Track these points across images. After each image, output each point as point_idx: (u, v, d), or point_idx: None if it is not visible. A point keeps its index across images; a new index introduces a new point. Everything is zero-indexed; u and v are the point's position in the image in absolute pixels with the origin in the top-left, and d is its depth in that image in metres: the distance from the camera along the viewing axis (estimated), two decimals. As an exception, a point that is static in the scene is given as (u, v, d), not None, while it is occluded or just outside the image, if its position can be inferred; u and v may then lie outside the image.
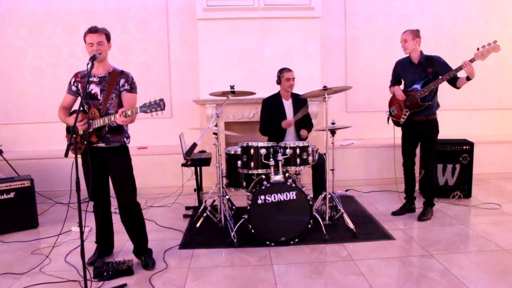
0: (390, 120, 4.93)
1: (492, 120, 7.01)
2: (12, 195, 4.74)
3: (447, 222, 4.65)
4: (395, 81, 4.89)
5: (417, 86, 4.55)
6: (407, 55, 4.67)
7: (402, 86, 4.83)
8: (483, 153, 6.16)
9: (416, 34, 4.56)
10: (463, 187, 5.48)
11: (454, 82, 4.50)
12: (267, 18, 6.10)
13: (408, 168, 4.92)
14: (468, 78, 4.32)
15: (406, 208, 4.95)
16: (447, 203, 5.30)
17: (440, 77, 4.42)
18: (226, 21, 6.08)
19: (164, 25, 6.58)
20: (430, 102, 4.53)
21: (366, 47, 6.81)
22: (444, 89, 4.73)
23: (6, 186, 4.72)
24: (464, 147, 5.47)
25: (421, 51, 4.61)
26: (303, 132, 5.05)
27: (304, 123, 5.13)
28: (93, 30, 3.43)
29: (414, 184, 4.96)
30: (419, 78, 4.56)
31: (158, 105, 3.23)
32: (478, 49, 4.23)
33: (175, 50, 6.65)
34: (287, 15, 6.10)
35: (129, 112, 3.28)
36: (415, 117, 4.66)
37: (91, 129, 3.44)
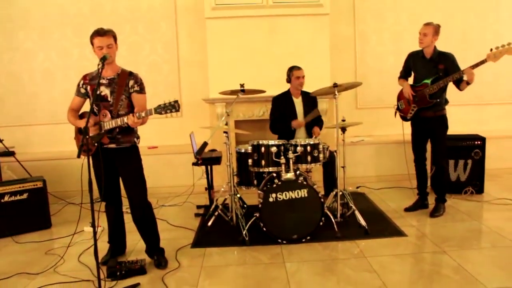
0: (398, 115, 4.91)
1: (504, 114, 6.93)
2: (25, 196, 4.80)
3: (460, 218, 4.62)
4: (405, 73, 4.88)
5: (427, 81, 4.53)
6: (421, 48, 4.63)
7: (411, 79, 4.80)
8: (495, 148, 6.10)
9: (437, 30, 4.51)
10: (475, 183, 5.43)
11: (458, 84, 4.49)
12: (276, 16, 6.09)
13: (419, 164, 4.90)
14: (468, 83, 4.35)
15: (419, 204, 4.93)
16: (459, 199, 5.26)
17: (448, 76, 4.40)
18: (235, 19, 6.07)
19: (173, 24, 6.59)
20: (438, 100, 4.51)
21: (375, 43, 6.78)
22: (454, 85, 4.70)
23: (19, 187, 4.78)
24: (476, 142, 5.42)
25: (435, 47, 4.57)
26: (316, 130, 5.03)
27: (314, 120, 5.11)
28: (101, 33, 3.41)
29: (426, 180, 4.94)
30: (430, 74, 4.53)
31: (172, 107, 3.25)
32: (491, 50, 4.19)
33: (184, 50, 6.66)
34: (296, 13, 6.08)
35: (143, 114, 3.29)
36: (423, 113, 4.64)
37: (103, 131, 3.45)
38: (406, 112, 4.75)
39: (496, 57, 4.17)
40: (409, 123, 4.86)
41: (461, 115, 6.26)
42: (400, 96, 4.87)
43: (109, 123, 3.43)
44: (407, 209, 4.91)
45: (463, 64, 4.39)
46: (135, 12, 6.54)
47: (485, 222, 4.48)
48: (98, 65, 3.29)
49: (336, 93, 4.43)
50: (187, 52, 6.65)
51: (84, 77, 3.65)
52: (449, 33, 6.54)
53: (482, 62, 4.20)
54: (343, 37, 6.70)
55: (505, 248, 3.78)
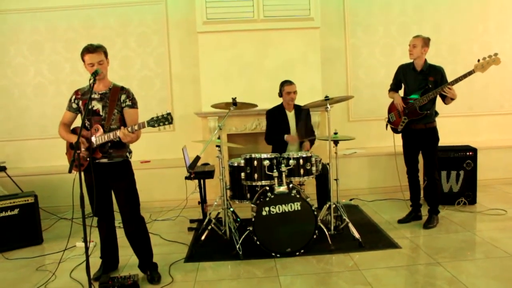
0: (389, 127, 4.94)
1: (494, 125, 6.99)
2: (16, 211, 4.74)
3: (453, 229, 4.63)
4: (395, 86, 4.91)
5: (416, 96, 4.57)
6: (411, 60, 4.68)
7: (402, 92, 4.84)
8: (486, 159, 6.14)
9: (426, 42, 4.55)
10: (467, 194, 5.45)
11: (443, 98, 4.56)
12: (267, 30, 6.13)
13: (412, 176, 4.91)
14: (452, 98, 4.43)
15: (412, 216, 4.94)
16: (452, 210, 5.28)
17: (437, 88, 4.45)
18: (226, 34, 6.10)
19: (165, 39, 6.61)
20: (428, 111, 4.54)
21: (366, 56, 6.83)
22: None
23: (10, 203, 4.73)
24: (468, 153, 5.46)
25: (425, 60, 4.61)
26: (306, 145, 5.05)
27: (307, 134, 5.13)
28: (91, 49, 3.41)
29: (419, 192, 4.95)
30: (419, 86, 4.57)
31: (165, 119, 3.24)
32: (478, 60, 4.25)
33: (176, 64, 6.67)
34: (287, 26, 6.12)
35: (135, 127, 3.28)
36: (413, 125, 4.67)
37: (95, 146, 3.44)
38: (397, 124, 4.78)
39: (483, 67, 4.22)
40: (400, 135, 4.88)
41: (453, 126, 6.30)
42: (391, 109, 4.90)
43: (100, 138, 3.41)
44: (400, 221, 4.92)
45: (451, 77, 4.43)
46: (127, 26, 6.56)
47: (479, 232, 4.49)
48: (90, 80, 3.29)
49: (328, 106, 4.44)
50: (179, 66, 6.67)
51: (76, 92, 3.64)
52: (437, 45, 6.63)
53: (470, 73, 4.25)
54: (334, 50, 6.75)
55: (498, 259, 3.79)
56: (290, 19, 6.10)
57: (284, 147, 5.06)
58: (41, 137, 6.59)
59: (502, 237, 4.27)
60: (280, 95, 5.13)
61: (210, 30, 6.08)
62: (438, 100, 4.63)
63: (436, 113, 4.70)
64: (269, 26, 6.12)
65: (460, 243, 4.21)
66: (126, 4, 6.53)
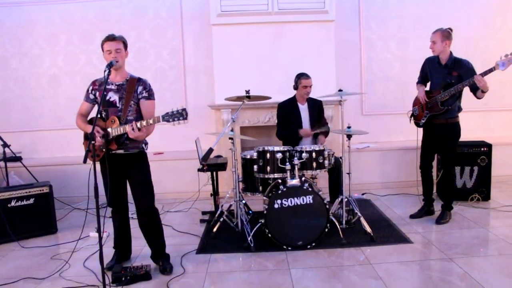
0: (412, 120, 4.89)
1: (510, 121, 6.91)
2: (31, 201, 4.82)
3: (466, 225, 4.60)
4: (422, 79, 4.85)
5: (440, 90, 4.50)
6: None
7: (428, 85, 4.79)
8: (501, 155, 6.07)
9: (446, 35, 4.46)
10: (481, 190, 5.41)
11: (475, 92, 4.43)
12: (282, 23, 6.11)
13: (424, 171, 4.87)
14: (482, 91, 4.29)
15: (425, 211, 4.91)
16: (465, 206, 5.24)
17: (460, 83, 4.35)
18: (241, 26, 6.10)
19: (179, 31, 6.63)
20: (450, 107, 4.48)
21: (380, 50, 6.78)
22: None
23: (26, 193, 4.80)
24: (482, 149, 5.41)
25: (450, 53, 4.53)
26: (321, 139, 5.02)
27: (321, 125, 5.12)
28: (110, 38, 3.48)
29: (432, 186, 4.91)
30: (443, 81, 4.51)
31: (180, 115, 3.24)
32: (501, 58, 4.15)
33: (190, 56, 6.69)
34: (301, 19, 6.10)
35: (150, 121, 3.31)
36: (435, 119, 4.62)
37: (111, 137, 3.47)
38: (420, 118, 4.75)
39: (504, 66, 4.12)
40: (420, 129, 4.85)
41: (467, 121, 6.21)
42: (415, 102, 4.86)
43: (117, 129, 3.44)
44: (412, 216, 4.89)
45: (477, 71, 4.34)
46: (141, 18, 6.59)
47: (492, 229, 4.45)
48: (105, 71, 3.31)
49: (342, 99, 4.42)
50: (193, 58, 6.68)
51: (93, 83, 3.68)
52: (454, 40, 6.54)
53: (491, 70, 4.16)
54: (348, 44, 6.71)
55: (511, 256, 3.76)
56: (305, 11, 6.07)
57: (297, 141, 5.03)
58: (56, 128, 6.66)
59: (516, 234, 4.23)
60: (296, 87, 5.09)
61: (225, 23, 6.08)
62: (465, 95, 4.55)
63: (460, 109, 4.62)
64: (284, 19, 6.10)
65: (472, 239, 4.18)
66: (141, -4, 6.57)
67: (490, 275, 3.39)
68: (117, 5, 6.54)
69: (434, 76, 4.66)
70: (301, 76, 5.02)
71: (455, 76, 4.44)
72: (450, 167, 4.70)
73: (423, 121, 4.70)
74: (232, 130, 4.50)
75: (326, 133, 5.12)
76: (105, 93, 3.45)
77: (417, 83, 4.89)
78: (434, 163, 4.86)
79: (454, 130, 4.63)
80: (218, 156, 5.56)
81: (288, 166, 4.22)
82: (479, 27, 6.73)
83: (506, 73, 4.06)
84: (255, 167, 4.44)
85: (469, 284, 3.26)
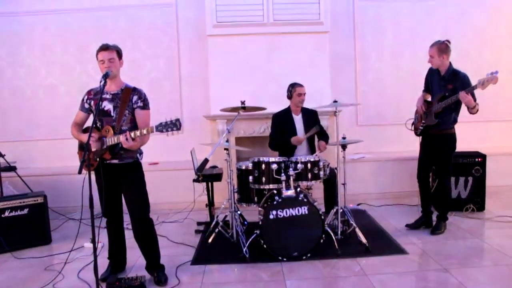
0: (412, 128, 4.92)
1: (504, 132, 6.95)
2: (25, 211, 4.78)
3: (461, 236, 4.60)
4: (426, 87, 4.87)
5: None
6: None
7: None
8: (496, 166, 6.08)
9: (443, 49, 4.45)
10: (476, 200, 5.42)
11: (467, 106, 4.42)
12: (277, 34, 6.15)
13: (421, 181, 4.88)
14: (468, 107, 4.32)
15: (422, 222, 4.88)
16: (460, 216, 5.24)
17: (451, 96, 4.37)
18: (236, 37, 6.14)
19: (175, 41, 6.65)
20: (440, 120, 4.51)
21: (375, 60, 6.82)
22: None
23: (20, 203, 4.77)
24: (477, 159, 5.43)
25: (450, 64, 4.54)
26: (322, 144, 5.01)
27: (319, 135, 5.13)
28: (104, 47, 3.49)
29: (430, 198, 4.91)
30: (440, 92, 4.54)
31: (174, 125, 3.24)
32: (484, 77, 4.14)
33: (185, 66, 6.71)
34: (296, 30, 6.15)
35: (144, 131, 3.30)
36: (431, 130, 4.65)
37: (105, 147, 3.46)
38: (417, 128, 4.78)
39: (483, 85, 4.11)
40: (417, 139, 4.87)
41: (462, 132, 6.22)
42: (417, 111, 4.89)
43: (111, 139, 3.43)
44: (408, 226, 4.88)
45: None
46: (137, 29, 6.61)
47: (487, 239, 4.46)
48: (100, 81, 3.32)
49: (336, 110, 4.44)
50: (189, 69, 6.70)
51: (89, 92, 3.68)
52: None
53: (473, 88, 4.19)
54: (343, 55, 6.75)
55: (506, 266, 3.76)
56: (300, 23, 6.12)
57: (291, 151, 5.05)
58: (51, 137, 6.64)
59: (511, 244, 4.23)
60: (290, 96, 5.10)
61: (220, 33, 6.11)
62: (463, 107, 4.52)
63: (455, 120, 4.62)
64: (279, 30, 6.15)
65: (468, 250, 4.19)
66: (136, 6, 6.60)
67: (485, 286, 3.39)
68: (113, 15, 6.57)
69: (434, 86, 4.69)
70: (295, 85, 5.06)
71: (450, 89, 4.46)
72: (445, 178, 4.71)
73: (420, 130, 4.73)
74: (227, 141, 4.50)
75: (326, 139, 5.12)
76: (100, 102, 3.45)
77: (423, 91, 4.91)
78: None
79: (448, 142, 4.64)
80: (214, 167, 5.56)
81: (283, 177, 4.22)
82: (472, 36, 6.79)
83: (499, 84, 4.08)
84: (251, 177, 4.44)
85: (464, 295, 3.26)
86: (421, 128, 4.71)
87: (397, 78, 6.63)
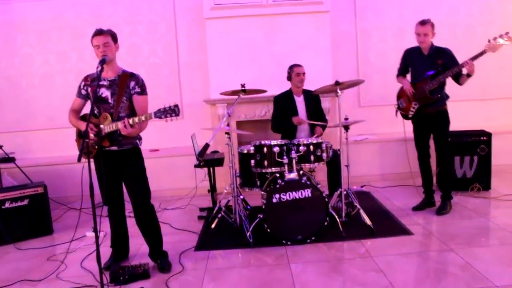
0: (399, 113, 4.84)
1: (510, 110, 6.83)
2: (26, 202, 4.75)
3: (467, 215, 4.56)
4: (403, 70, 4.82)
5: (429, 73, 4.45)
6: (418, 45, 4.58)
7: (409, 77, 4.75)
8: (501, 144, 5.98)
9: (434, 26, 4.45)
10: (482, 179, 5.36)
11: (457, 78, 4.44)
12: (276, 15, 6.05)
13: (423, 162, 4.83)
14: (468, 75, 4.29)
15: (426, 203, 4.85)
16: (466, 196, 5.20)
17: (447, 70, 4.33)
18: (234, 19, 6.04)
19: (172, 26, 6.56)
20: (439, 95, 4.45)
21: (377, 40, 6.72)
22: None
23: (20, 194, 4.74)
24: (482, 138, 5.35)
25: (431, 43, 4.51)
26: (318, 130, 4.97)
27: (318, 119, 5.06)
28: (98, 32, 3.42)
29: (431, 178, 4.86)
30: (428, 70, 4.46)
31: (172, 111, 3.20)
32: (489, 41, 4.12)
33: (184, 51, 6.62)
34: (296, 11, 6.04)
35: (143, 118, 3.25)
36: (425, 109, 4.58)
37: (103, 134, 3.40)
38: (407, 110, 4.69)
39: (495, 48, 4.08)
40: (409, 121, 4.80)
41: (467, 110, 6.20)
42: (400, 94, 4.81)
43: (109, 126, 3.38)
44: (414, 208, 4.84)
45: (465, 58, 4.32)
46: (135, 14, 6.51)
47: (493, 219, 4.42)
48: (97, 68, 3.25)
49: (339, 91, 4.37)
50: (187, 53, 6.62)
51: (86, 78, 3.61)
52: (453, 28, 6.50)
53: (481, 53, 4.13)
54: (344, 35, 6.64)
55: (513, 245, 3.72)
56: (300, 3, 6.03)
57: (293, 133, 4.99)
58: (49, 127, 6.58)
59: (517, 223, 4.20)
60: (289, 78, 5.04)
61: (218, 16, 6.02)
62: (451, 83, 4.52)
63: (447, 96, 4.61)
64: (278, 10, 6.04)
65: (473, 229, 4.14)
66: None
67: (491, 265, 3.36)
68: (109, 1, 6.47)
69: (417, 66, 4.62)
70: (293, 66, 5.02)
71: (440, 64, 4.42)
72: (445, 156, 4.66)
73: (412, 113, 4.65)
74: (228, 125, 4.45)
75: (323, 126, 5.07)
76: (97, 89, 3.39)
77: (397, 75, 4.86)
78: (432, 152, 4.81)
79: (444, 118, 4.61)
80: (215, 152, 5.51)
81: (285, 160, 4.17)
82: (479, 14, 6.66)
83: (504, 60, 4.01)
84: (252, 161, 4.38)
85: (471, 274, 3.22)
86: (412, 110, 4.62)
87: (399, 58, 6.54)
